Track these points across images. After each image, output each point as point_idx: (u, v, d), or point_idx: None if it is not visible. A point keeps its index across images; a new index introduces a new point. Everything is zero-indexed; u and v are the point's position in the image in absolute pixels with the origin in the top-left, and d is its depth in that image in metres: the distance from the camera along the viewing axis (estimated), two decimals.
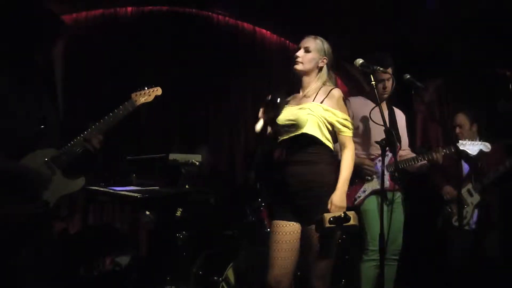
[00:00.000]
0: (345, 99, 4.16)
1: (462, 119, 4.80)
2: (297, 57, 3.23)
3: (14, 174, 2.58)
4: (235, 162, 6.67)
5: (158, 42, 6.47)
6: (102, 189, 4.23)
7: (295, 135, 3.12)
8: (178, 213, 4.34)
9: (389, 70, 3.88)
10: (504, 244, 4.69)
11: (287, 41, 7.24)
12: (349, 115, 3.98)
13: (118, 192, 4.05)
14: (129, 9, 6.50)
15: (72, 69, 6.12)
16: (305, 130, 3.09)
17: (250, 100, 6.85)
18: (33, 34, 2.70)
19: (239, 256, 4.49)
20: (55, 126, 2.84)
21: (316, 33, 3.30)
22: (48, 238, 2.74)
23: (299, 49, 3.27)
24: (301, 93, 3.29)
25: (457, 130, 4.77)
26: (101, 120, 2.92)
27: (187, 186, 4.27)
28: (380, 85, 3.94)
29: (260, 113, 3.13)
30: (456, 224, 4.61)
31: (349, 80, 7.32)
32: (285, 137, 3.16)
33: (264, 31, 7.15)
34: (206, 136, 6.65)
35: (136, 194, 3.94)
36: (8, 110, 2.62)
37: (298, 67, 3.23)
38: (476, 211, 4.62)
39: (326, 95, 3.19)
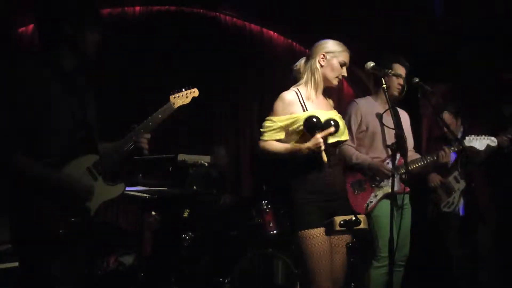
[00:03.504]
0: (352, 100, 4.18)
1: (447, 118, 4.87)
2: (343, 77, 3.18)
3: (56, 185, 2.48)
4: (241, 163, 6.68)
5: (165, 42, 6.48)
6: None
7: (340, 141, 3.07)
8: (186, 214, 4.33)
9: (404, 71, 3.89)
10: (497, 236, 4.80)
11: (294, 43, 7.24)
12: (356, 117, 4.00)
13: (126, 192, 4.04)
14: (137, 8, 6.51)
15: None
16: (346, 137, 3.10)
17: (256, 101, 6.85)
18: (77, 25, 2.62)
19: (244, 258, 4.49)
20: (96, 130, 2.75)
21: (322, 35, 3.26)
22: (83, 245, 2.64)
23: (344, 64, 3.14)
24: (319, 96, 3.17)
25: (445, 130, 4.80)
26: (144, 122, 2.84)
27: (195, 187, 4.25)
28: (397, 82, 3.93)
29: (322, 146, 2.89)
30: (445, 209, 4.75)
31: (354, 83, 7.32)
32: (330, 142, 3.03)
33: (271, 32, 7.16)
34: (211, 136, 6.66)
35: (144, 195, 3.93)
36: (52, 114, 2.52)
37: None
38: (462, 197, 4.75)
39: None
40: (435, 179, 4.79)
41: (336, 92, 7.26)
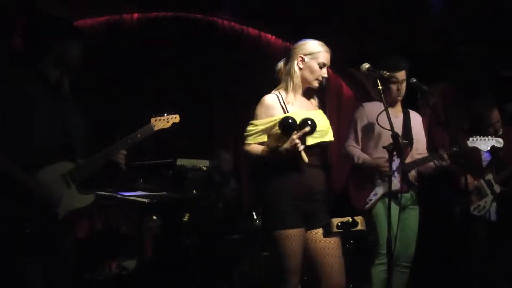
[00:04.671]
0: (360, 105, 4.19)
1: (496, 115, 4.59)
2: (324, 76, 3.14)
3: (26, 187, 2.62)
4: (241, 166, 6.69)
5: (164, 47, 6.51)
6: (109, 194, 4.25)
7: (323, 142, 3.06)
8: (186, 218, 4.36)
9: (403, 73, 3.89)
10: None
11: (292, 46, 7.24)
12: (361, 121, 4.02)
13: (126, 197, 4.07)
14: (135, 15, 6.53)
15: (77, 75, 6.15)
16: (330, 138, 3.08)
17: (254, 105, 6.86)
18: (46, 39, 2.78)
19: (244, 260, 4.51)
20: (81, 139, 2.89)
21: (320, 38, 3.24)
22: (58, 248, 2.76)
23: (324, 65, 3.11)
24: (299, 98, 3.15)
25: (497, 126, 4.55)
26: (123, 140, 2.96)
27: (194, 191, 4.28)
28: (394, 87, 3.94)
29: (299, 146, 2.87)
30: (475, 213, 4.48)
31: (353, 85, 7.34)
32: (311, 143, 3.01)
33: (269, 36, 7.18)
34: (210, 140, 6.67)
35: (144, 199, 3.96)
36: (34, 119, 2.68)
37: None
38: (495, 202, 4.50)
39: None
40: (471, 181, 4.47)
41: (335, 96, 7.33)
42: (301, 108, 3.10)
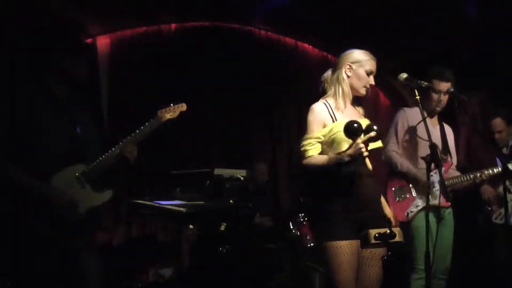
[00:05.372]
0: (400, 108, 4.17)
1: (499, 123, 4.72)
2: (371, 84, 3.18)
3: (39, 194, 2.78)
4: (279, 176, 6.70)
5: (201, 57, 6.57)
6: (147, 202, 4.29)
7: (374, 149, 3.06)
8: (222, 227, 4.38)
9: (447, 84, 3.86)
10: None
11: (329, 55, 7.24)
12: (402, 125, 4.00)
13: (164, 206, 4.11)
14: (173, 25, 6.62)
15: (118, 86, 6.29)
16: (379, 144, 3.09)
17: (292, 114, 6.88)
18: (55, 54, 2.95)
19: (281, 271, 4.51)
20: (92, 142, 3.05)
21: (357, 47, 3.27)
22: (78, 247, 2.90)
23: (371, 73, 3.13)
24: (348, 106, 3.16)
25: (496, 136, 4.70)
26: (132, 135, 3.08)
27: (231, 201, 4.29)
28: (436, 97, 3.91)
29: (364, 152, 2.85)
30: (497, 221, 4.53)
31: (391, 94, 7.28)
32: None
33: (305, 45, 7.18)
34: (249, 149, 6.70)
35: (181, 209, 3.98)
36: (42, 128, 2.85)
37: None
38: None
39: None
40: (487, 191, 4.59)
41: (372, 104, 7.28)
42: (350, 116, 3.10)
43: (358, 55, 3.16)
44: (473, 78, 5.68)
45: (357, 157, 2.86)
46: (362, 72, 3.12)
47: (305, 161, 3.08)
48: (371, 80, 3.14)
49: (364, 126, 2.87)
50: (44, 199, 2.78)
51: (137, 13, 6.16)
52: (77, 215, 2.85)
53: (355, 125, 2.86)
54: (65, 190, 2.85)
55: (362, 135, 2.84)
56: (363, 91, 3.15)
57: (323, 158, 3.03)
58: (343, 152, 2.91)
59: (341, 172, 2.94)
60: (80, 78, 3.00)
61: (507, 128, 4.73)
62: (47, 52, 2.96)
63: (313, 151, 3.05)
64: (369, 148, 2.93)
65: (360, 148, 2.82)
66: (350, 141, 2.86)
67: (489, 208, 4.60)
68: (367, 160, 2.85)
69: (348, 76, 3.13)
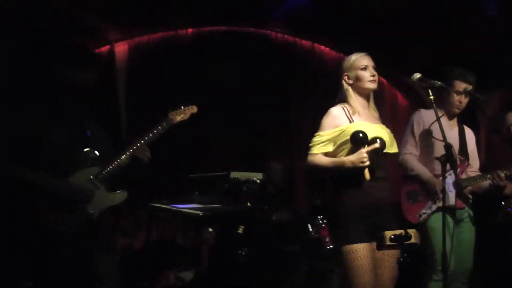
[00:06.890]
0: (417, 109, 4.17)
1: None
2: (375, 75, 3.24)
3: (61, 190, 2.89)
4: (296, 178, 6.69)
5: (218, 61, 6.60)
6: (165, 206, 4.34)
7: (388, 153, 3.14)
8: (240, 230, 4.40)
9: (469, 86, 3.84)
10: None
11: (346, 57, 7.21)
12: (418, 126, 4.00)
13: (181, 209, 4.15)
14: (189, 30, 6.66)
15: (137, 92, 6.35)
16: (395, 149, 3.17)
17: (309, 117, 6.85)
18: (62, 64, 3.04)
19: (299, 273, 4.51)
20: (103, 145, 3.16)
21: (374, 48, 3.32)
22: (93, 247, 2.99)
23: (365, 67, 3.23)
24: (360, 108, 3.25)
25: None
26: (143, 136, 3.19)
27: (248, 204, 4.32)
28: (457, 98, 3.89)
29: (366, 161, 2.96)
30: None
31: (409, 94, 7.24)
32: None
33: (322, 47, 7.16)
34: (265, 152, 6.71)
35: (198, 212, 4.02)
36: (50, 139, 2.95)
37: (375, 86, 3.26)
38: None
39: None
40: (509, 187, 4.50)
41: (391, 106, 7.24)
42: (366, 119, 3.19)
43: (346, 61, 3.29)
44: (492, 77, 5.64)
45: (358, 165, 2.92)
46: (358, 72, 3.21)
47: (309, 158, 3.15)
48: (371, 72, 3.22)
49: (371, 136, 2.93)
50: (64, 195, 2.89)
51: (154, 19, 6.21)
52: (96, 212, 2.95)
53: (361, 134, 2.95)
54: (83, 186, 2.95)
55: (367, 146, 2.95)
56: (370, 86, 3.24)
57: (326, 160, 3.09)
58: (347, 158, 3.00)
59: (355, 176, 2.98)
60: (85, 87, 3.06)
61: None
62: (49, 62, 3.07)
63: (318, 149, 3.10)
64: (384, 151, 3.01)
65: (363, 158, 2.88)
66: None
67: (509, 206, 4.54)
68: (366, 170, 2.95)
69: (350, 84, 3.24)
